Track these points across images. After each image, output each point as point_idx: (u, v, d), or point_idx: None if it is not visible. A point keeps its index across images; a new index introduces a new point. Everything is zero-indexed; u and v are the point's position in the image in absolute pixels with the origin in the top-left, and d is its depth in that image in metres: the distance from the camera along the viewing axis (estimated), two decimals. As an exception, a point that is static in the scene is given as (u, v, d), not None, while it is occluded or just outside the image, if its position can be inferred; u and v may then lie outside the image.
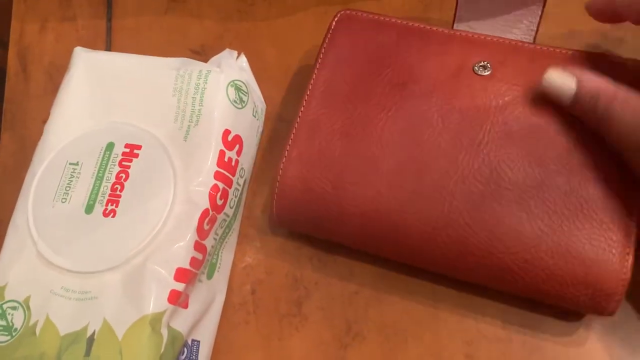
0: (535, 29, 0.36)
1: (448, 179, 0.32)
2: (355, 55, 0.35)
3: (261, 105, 0.39)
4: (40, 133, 0.40)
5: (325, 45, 0.36)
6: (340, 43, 0.36)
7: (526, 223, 0.31)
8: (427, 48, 0.35)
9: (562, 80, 0.31)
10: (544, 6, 0.35)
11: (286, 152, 0.34)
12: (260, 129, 0.39)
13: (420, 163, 0.32)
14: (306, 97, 0.35)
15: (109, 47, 0.46)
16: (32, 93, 0.45)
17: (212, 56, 0.39)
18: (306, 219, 0.34)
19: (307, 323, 0.35)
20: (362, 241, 0.34)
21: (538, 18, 0.35)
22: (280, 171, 0.34)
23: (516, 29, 0.36)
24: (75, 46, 0.40)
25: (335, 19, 0.37)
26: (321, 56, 0.36)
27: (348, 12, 0.37)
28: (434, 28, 0.35)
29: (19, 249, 0.33)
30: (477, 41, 0.35)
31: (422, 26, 0.36)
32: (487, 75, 0.33)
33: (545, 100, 0.33)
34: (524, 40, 0.35)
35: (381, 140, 0.33)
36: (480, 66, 0.34)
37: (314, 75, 0.35)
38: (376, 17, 0.36)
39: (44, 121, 0.44)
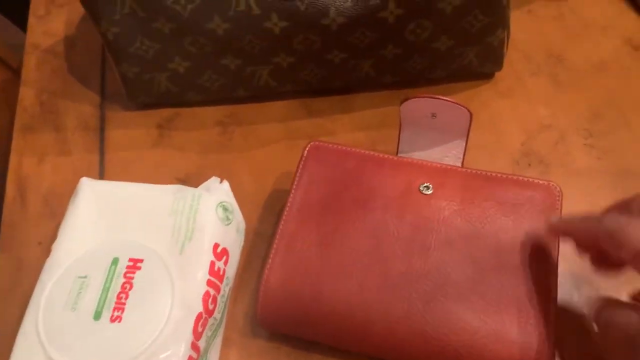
0: (462, 157, 0.45)
1: (405, 279, 0.39)
2: (324, 178, 0.43)
3: (242, 223, 0.45)
4: (35, 254, 0.45)
5: (299, 171, 0.44)
6: (311, 168, 0.44)
7: (469, 314, 0.38)
8: (381, 172, 0.43)
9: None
10: (466, 141, 0.44)
11: (269, 261, 0.40)
12: (242, 244, 0.45)
13: (383, 267, 0.39)
14: (285, 214, 0.42)
15: (102, 177, 0.52)
16: (28, 217, 0.50)
17: (195, 183, 0.45)
18: (288, 320, 0.39)
19: (288, 415, 0.39)
20: (338, 337, 0.39)
21: (463, 149, 0.44)
22: (264, 278, 0.40)
23: (447, 157, 0.45)
24: (70, 176, 0.45)
25: (307, 149, 0.45)
26: (296, 179, 0.43)
27: (317, 143, 0.45)
28: (385, 155, 0.44)
29: (29, 354, 0.36)
30: (420, 166, 0.43)
31: (376, 154, 0.44)
32: (430, 194, 0.42)
33: (475, 213, 0.41)
34: (455, 165, 0.44)
35: (350, 247, 0.40)
36: (424, 186, 0.42)
37: (291, 196, 0.43)
38: (340, 147, 0.45)
39: (40, 243, 0.48)
